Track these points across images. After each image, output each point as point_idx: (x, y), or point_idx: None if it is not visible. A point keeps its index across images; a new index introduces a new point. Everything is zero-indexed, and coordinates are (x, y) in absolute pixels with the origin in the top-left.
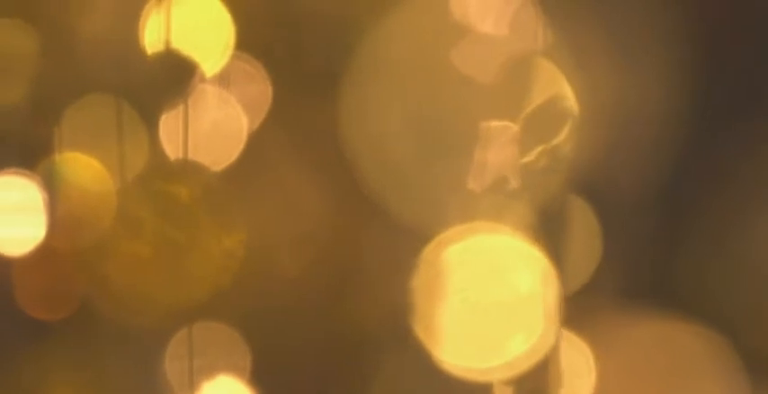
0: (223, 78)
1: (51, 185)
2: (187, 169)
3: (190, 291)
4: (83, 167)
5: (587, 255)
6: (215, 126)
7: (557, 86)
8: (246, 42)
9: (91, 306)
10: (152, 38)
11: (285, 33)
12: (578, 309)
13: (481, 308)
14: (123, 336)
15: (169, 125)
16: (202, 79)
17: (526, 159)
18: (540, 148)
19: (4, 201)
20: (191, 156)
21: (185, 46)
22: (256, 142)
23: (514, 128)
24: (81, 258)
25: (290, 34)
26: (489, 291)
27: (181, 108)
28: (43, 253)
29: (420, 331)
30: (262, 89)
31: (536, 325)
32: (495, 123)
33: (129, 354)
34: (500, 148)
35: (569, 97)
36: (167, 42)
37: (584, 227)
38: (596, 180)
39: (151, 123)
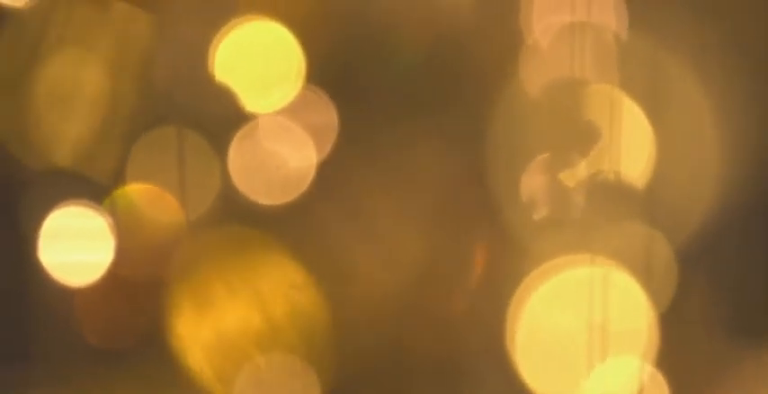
0: (291, 109)
1: (119, 216)
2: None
3: (256, 323)
4: (152, 198)
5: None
6: (283, 157)
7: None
8: (315, 73)
9: (156, 336)
10: (221, 69)
11: (353, 63)
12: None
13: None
14: (186, 367)
15: (238, 156)
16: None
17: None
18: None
19: (71, 231)
20: (260, 187)
21: (255, 77)
22: (325, 172)
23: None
24: (147, 288)
25: (357, 64)
26: (578, 320)
27: (250, 139)
28: (108, 282)
29: (514, 358)
30: (329, 119)
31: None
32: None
33: (194, 386)
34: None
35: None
36: (236, 73)
37: (663, 257)
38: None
39: (221, 154)
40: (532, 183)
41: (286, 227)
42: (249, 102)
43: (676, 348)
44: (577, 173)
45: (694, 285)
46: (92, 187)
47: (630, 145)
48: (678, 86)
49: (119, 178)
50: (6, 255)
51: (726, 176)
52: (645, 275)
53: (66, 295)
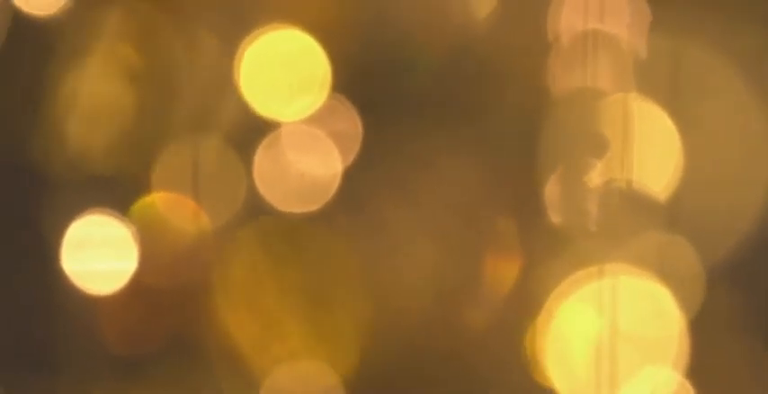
0: (316, 117)
1: (144, 224)
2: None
3: (279, 330)
4: (177, 207)
5: (694, 293)
6: (308, 165)
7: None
8: (339, 81)
9: (180, 344)
10: (247, 77)
11: (378, 71)
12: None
13: (598, 346)
14: (212, 374)
15: (263, 164)
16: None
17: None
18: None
19: (94, 240)
20: (284, 195)
21: (279, 85)
22: (349, 180)
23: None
24: (171, 296)
25: (382, 72)
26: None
27: (274, 147)
28: (132, 291)
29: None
30: (353, 128)
31: (652, 363)
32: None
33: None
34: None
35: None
36: (261, 82)
37: (690, 264)
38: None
39: (246, 163)
40: (552, 190)
41: (310, 235)
42: (274, 111)
43: (706, 356)
44: (596, 180)
45: (723, 292)
46: (117, 196)
47: (652, 152)
48: (702, 91)
49: (143, 186)
50: (30, 263)
51: (753, 182)
52: (673, 282)
53: (89, 303)
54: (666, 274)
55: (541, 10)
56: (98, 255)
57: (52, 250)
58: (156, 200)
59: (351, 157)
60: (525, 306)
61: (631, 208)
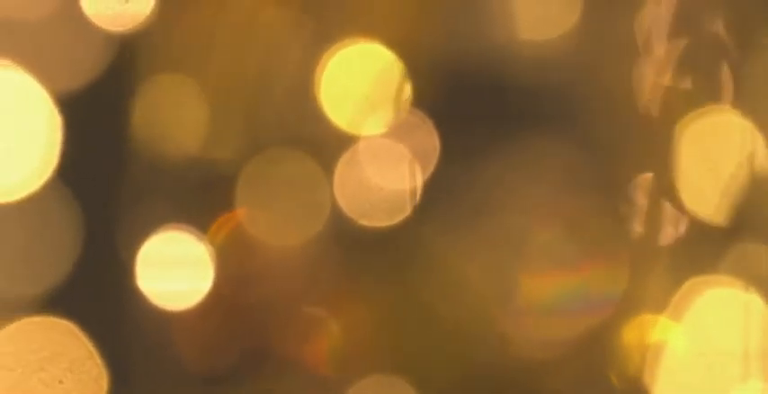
0: (395, 131)
1: (225, 240)
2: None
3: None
4: (259, 222)
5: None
6: (387, 179)
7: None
8: (417, 95)
9: (260, 361)
10: (327, 91)
11: (456, 85)
12: None
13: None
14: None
15: (343, 179)
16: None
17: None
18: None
19: (170, 256)
20: (365, 209)
21: (359, 99)
22: (428, 193)
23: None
24: (251, 313)
25: (460, 86)
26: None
27: (354, 161)
28: (208, 307)
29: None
30: (431, 142)
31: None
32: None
33: None
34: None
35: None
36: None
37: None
38: None
39: (328, 177)
40: (634, 202)
41: (392, 248)
42: (354, 125)
43: None
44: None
45: None
46: (197, 210)
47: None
48: None
49: (225, 201)
50: (105, 280)
51: None
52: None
53: (165, 321)
54: (757, 284)
55: (626, 20)
56: (174, 271)
57: (127, 266)
58: (240, 215)
59: (429, 170)
60: (624, 317)
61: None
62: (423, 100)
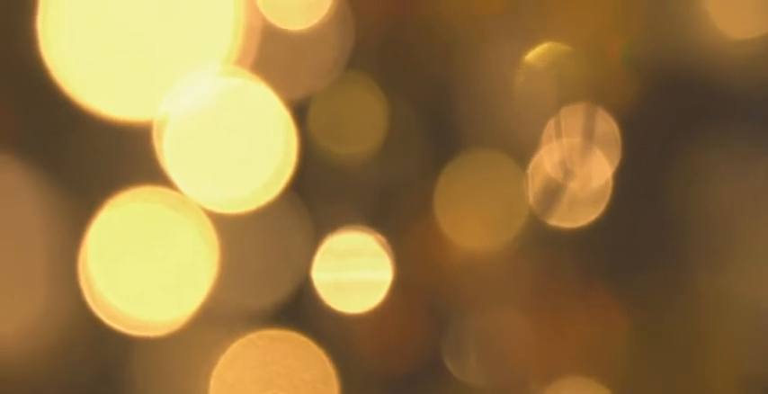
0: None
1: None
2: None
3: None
4: (458, 223)
5: None
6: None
7: None
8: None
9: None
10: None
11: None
12: None
13: None
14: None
15: (535, 180)
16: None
17: None
18: None
19: (350, 259)
20: (558, 209)
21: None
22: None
23: None
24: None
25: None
26: None
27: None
28: (388, 310)
29: None
30: (614, 145)
31: None
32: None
33: None
34: None
35: None
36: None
37: None
38: None
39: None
40: None
41: (586, 248)
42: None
43: None
44: None
45: None
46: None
47: None
48: None
49: (427, 200)
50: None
51: None
52: None
53: (345, 322)
54: None
55: None
56: (352, 272)
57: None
58: (439, 216)
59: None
60: None
61: None
62: (626, 102)
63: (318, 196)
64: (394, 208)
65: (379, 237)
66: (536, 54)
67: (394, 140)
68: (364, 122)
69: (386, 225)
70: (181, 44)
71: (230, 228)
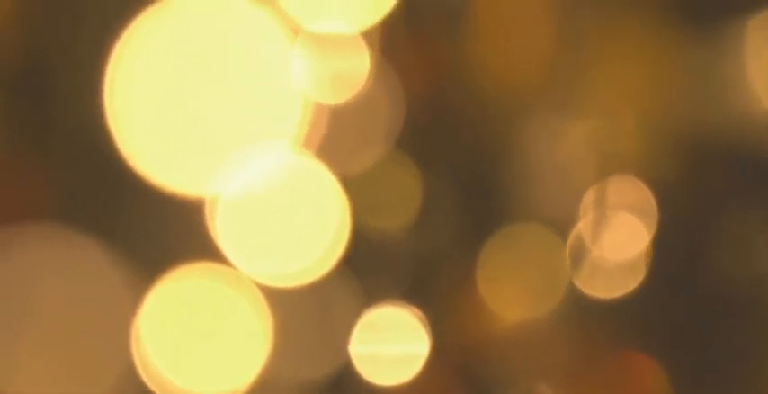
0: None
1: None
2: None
3: None
4: (498, 293)
5: None
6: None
7: None
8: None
9: None
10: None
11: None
12: None
13: None
14: None
15: (576, 251)
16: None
17: None
18: None
19: (388, 332)
20: (597, 280)
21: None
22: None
23: None
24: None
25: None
26: None
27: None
28: (425, 382)
29: None
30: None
31: None
32: None
33: None
34: None
35: None
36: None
37: None
38: None
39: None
40: None
41: (627, 318)
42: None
43: None
44: None
45: None
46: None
47: None
48: None
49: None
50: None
51: None
52: None
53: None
54: None
55: None
56: (390, 344)
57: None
58: (481, 287)
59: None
60: None
61: None
62: (664, 172)
63: (359, 269)
64: (432, 280)
65: (416, 310)
66: (575, 126)
67: (431, 212)
68: (402, 195)
69: (424, 297)
70: (241, 122)
71: (283, 302)
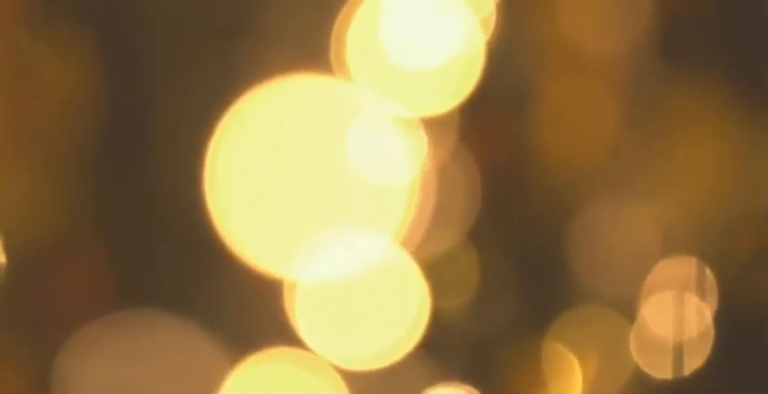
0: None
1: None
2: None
3: None
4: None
5: None
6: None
7: None
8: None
9: None
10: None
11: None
12: None
13: None
14: None
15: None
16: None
17: None
18: None
19: None
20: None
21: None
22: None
23: None
24: None
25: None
26: None
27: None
28: None
29: None
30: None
31: None
32: None
33: None
34: None
35: None
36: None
37: None
38: None
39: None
40: None
41: None
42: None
43: None
44: None
45: None
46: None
47: None
48: None
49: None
50: None
51: None
52: None
53: None
54: None
55: None
56: None
57: None
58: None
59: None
60: None
61: None
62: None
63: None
64: (493, 362)
65: (476, 391)
66: (640, 206)
67: (494, 293)
68: (463, 275)
69: (484, 379)
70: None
71: (361, 386)
